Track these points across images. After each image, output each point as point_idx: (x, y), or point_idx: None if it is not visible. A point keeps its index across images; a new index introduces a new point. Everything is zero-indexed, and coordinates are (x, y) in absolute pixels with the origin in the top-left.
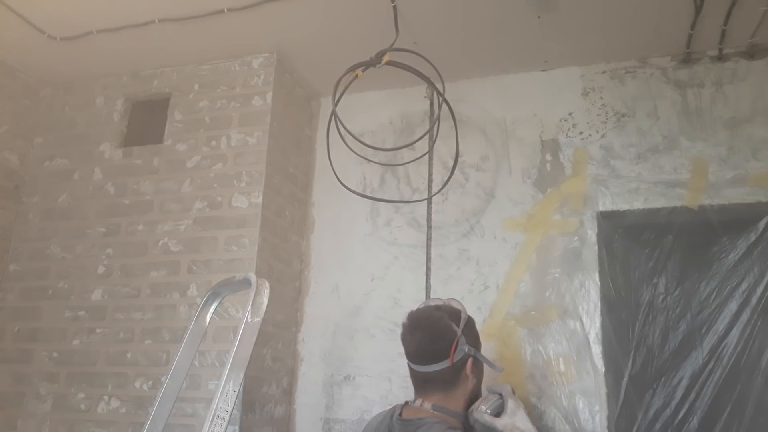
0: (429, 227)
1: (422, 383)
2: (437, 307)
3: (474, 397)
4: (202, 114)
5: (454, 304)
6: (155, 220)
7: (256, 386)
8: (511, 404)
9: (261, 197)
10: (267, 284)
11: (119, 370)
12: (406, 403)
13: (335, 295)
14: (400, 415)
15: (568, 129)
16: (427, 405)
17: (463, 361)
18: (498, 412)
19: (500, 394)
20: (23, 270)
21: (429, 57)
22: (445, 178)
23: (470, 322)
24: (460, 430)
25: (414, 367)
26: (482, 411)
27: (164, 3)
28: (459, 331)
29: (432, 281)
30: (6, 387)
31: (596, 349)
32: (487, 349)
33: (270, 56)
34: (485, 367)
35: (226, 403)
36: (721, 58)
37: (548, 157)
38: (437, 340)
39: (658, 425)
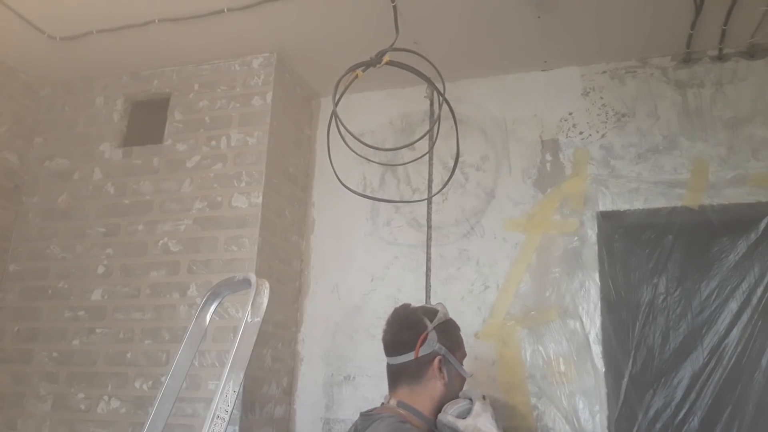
0: (429, 227)
1: (392, 377)
2: (422, 306)
3: (445, 402)
4: (202, 114)
5: (439, 308)
6: (155, 220)
7: (256, 386)
8: (477, 407)
9: (261, 197)
10: (267, 284)
11: (119, 370)
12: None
13: (335, 295)
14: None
15: (568, 129)
16: (393, 402)
17: (429, 358)
18: (465, 416)
19: (470, 399)
20: (23, 270)
21: (429, 57)
22: (445, 178)
23: (449, 324)
24: (418, 428)
25: (387, 359)
26: (446, 412)
27: (164, 3)
28: (430, 326)
29: (432, 281)
30: (6, 387)
31: (596, 349)
32: (487, 349)
33: (270, 56)
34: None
35: (226, 403)
36: (721, 58)
37: (548, 157)
38: (406, 330)
39: (658, 425)
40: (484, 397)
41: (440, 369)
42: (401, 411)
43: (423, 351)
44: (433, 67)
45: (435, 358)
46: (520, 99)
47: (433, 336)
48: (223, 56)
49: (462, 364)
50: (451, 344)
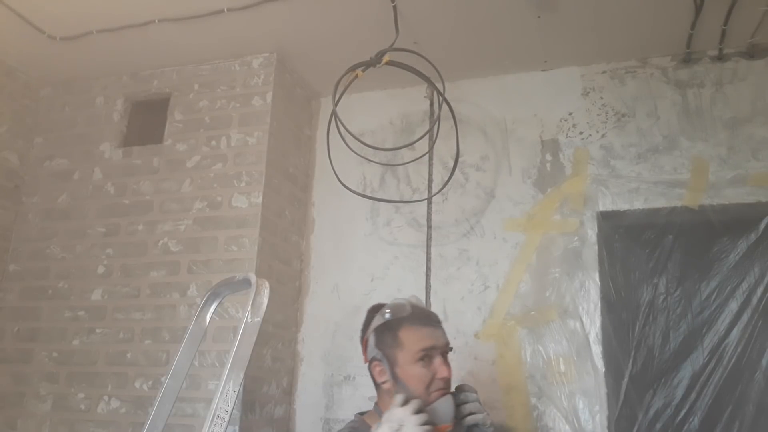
0: (429, 227)
1: None
2: (390, 302)
3: None
4: (202, 114)
5: (404, 303)
6: (155, 220)
7: (256, 386)
8: (384, 415)
9: (261, 197)
10: (267, 284)
11: (119, 370)
12: None
13: (335, 295)
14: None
15: (568, 129)
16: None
17: (370, 363)
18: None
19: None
20: (23, 270)
21: (429, 57)
22: (445, 178)
23: (391, 324)
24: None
25: None
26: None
27: (164, 3)
28: (368, 331)
29: (432, 281)
30: (6, 387)
31: (596, 349)
32: (487, 349)
33: (270, 56)
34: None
35: (226, 403)
36: (721, 58)
37: (548, 157)
38: (360, 337)
39: (658, 425)
40: (405, 402)
41: (380, 374)
42: (374, 414)
43: (368, 356)
44: (433, 67)
45: (371, 363)
46: (520, 99)
47: (371, 340)
48: (223, 56)
49: (422, 362)
50: (388, 346)
